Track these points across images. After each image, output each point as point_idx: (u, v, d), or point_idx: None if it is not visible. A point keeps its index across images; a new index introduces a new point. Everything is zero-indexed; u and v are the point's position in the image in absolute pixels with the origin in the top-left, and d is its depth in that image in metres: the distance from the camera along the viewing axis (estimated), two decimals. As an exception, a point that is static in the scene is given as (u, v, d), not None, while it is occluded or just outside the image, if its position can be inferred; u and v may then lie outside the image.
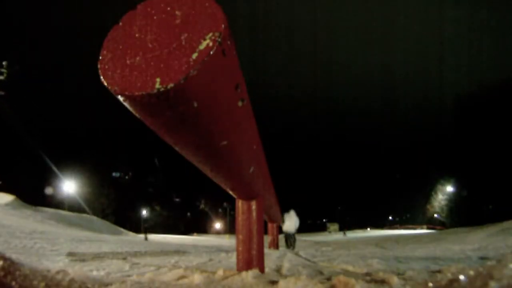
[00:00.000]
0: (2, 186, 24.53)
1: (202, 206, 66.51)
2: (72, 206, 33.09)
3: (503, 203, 27.45)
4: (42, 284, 0.83)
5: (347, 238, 29.95)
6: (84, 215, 26.53)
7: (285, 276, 1.81)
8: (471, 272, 0.74)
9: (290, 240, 9.66)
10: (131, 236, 23.38)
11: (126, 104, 0.83)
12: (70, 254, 4.75)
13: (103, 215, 36.68)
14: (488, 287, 0.65)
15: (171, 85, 0.75)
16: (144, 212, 54.05)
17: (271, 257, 4.34)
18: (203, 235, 48.70)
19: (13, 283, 0.74)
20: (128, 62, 0.81)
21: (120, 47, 0.84)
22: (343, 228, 60.66)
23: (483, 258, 3.70)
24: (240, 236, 2.04)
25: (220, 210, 66.73)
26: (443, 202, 40.06)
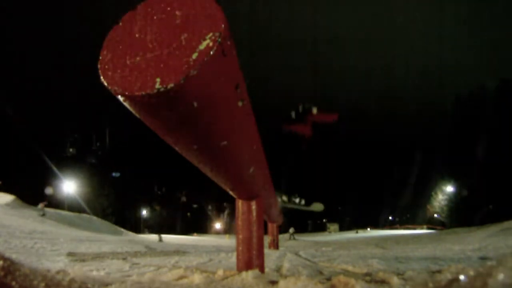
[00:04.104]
0: (2, 186, 24.56)
1: (183, 199, 66.11)
2: (72, 206, 33.12)
3: (503, 203, 27.45)
4: (42, 284, 0.83)
5: (347, 238, 29.97)
6: (84, 215, 26.56)
7: (285, 276, 1.81)
8: (471, 272, 0.74)
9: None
10: (131, 236, 23.39)
11: (126, 104, 0.83)
12: (70, 254, 4.75)
13: (103, 215, 36.71)
14: (488, 287, 0.65)
15: (171, 85, 0.75)
16: (144, 212, 54.03)
17: (271, 257, 4.34)
18: (203, 235, 48.72)
19: (13, 283, 0.74)
20: (128, 62, 0.81)
21: (120, 47, 0.84)
22: (355, 227, 61.35)
23: (483, 258, 3.70)
24: (240, 236, 2.04)
25: (217, 210, 66.70)
26: (443, 202, 40.01)
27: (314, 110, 6.49)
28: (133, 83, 0.78)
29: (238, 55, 0.96)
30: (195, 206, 66.90)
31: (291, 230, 31.49)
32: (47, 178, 35.53)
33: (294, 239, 30.03)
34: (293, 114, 6.37)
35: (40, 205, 22.37)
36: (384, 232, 43.70)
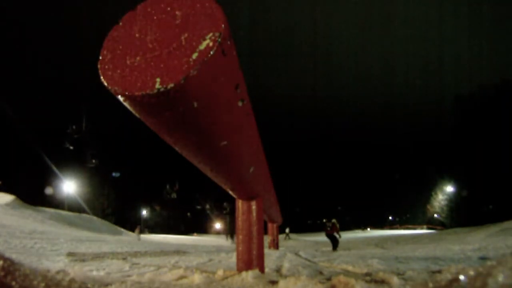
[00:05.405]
0: (2, 186, 24.56)
1: (172, 194, 65.73)
2: (72, 206, 33.09)
3: (503, 203, 27.43)
4: (42, 284, 0.83)
5: (347, 238, 29.91)
6: (84, 215, 26.54)
7: (285, 276, 1.81)
8: (471, 272, 0.74)
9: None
10: (131, 236, 23.39)
11: (126, 104, 0.83)
12: (70, 254, 4.75)
13: (103, 215, 36.66)
14: (488, 287, 0.65)
15: (171, 85, 0.75)
16: (144, 212, 54.03)
17: (271, 257, 4.34)
18: (203, 235, 48.71)
19: (13, 283, 0.74)
20: (128, 62, 0.81)
21: (120, 47, 0.84)
22: (355, 227, 61.89)
23: (483, 258, 3.71)
24: (240, 236, 2.04)
25: (217, 210, 66.51)
26: (443, 202, 39.96)
27: (334, 220, 11.12)
28: (133, 83, 0.78)
29: (238, 55, 0.96)
30: (199, 207, 66.66)
31: (287, 230, 33.99)
32: (47, 178, 35.48)
33: (289, 238, 32.53)
34: (328, 229, 10.94)
35: (136, 230, 23.34)
36: (384, 232, 43.72)
